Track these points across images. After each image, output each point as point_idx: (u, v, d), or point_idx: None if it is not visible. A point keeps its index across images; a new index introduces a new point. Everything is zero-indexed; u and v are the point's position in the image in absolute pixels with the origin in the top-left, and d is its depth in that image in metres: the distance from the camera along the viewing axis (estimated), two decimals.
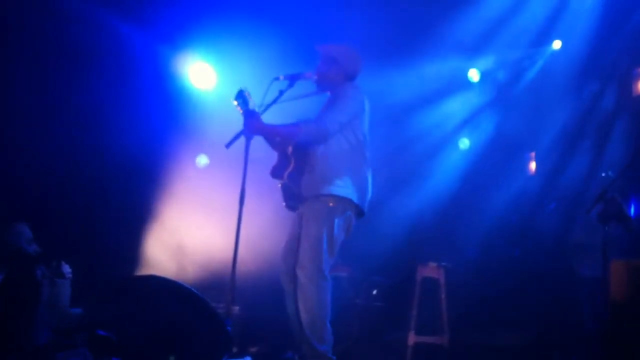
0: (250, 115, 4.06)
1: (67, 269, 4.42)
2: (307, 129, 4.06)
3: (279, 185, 4.32)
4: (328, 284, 4.04)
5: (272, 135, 4.23)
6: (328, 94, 4.37)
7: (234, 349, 4.73)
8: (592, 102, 6.96)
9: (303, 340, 4.02)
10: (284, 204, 4.35)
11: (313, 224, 4.05)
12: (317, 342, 3.96)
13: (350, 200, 4.08)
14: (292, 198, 4.26)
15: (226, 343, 3.98)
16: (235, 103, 4.10)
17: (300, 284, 4.01)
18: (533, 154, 7.39)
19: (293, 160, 4.19)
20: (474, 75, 7.50)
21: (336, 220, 4.05)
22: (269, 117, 4.20)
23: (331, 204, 4.04)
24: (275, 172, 4.26)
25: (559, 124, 7.07)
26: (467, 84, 7.54)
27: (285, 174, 4.18)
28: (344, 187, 4.06)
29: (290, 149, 4.23)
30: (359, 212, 4.19)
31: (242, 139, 4.12)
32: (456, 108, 7.50)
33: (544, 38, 7.21)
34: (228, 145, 4.09)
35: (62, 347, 3.61)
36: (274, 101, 4.19)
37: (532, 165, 7.41)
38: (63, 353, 3.53)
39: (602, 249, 4.40)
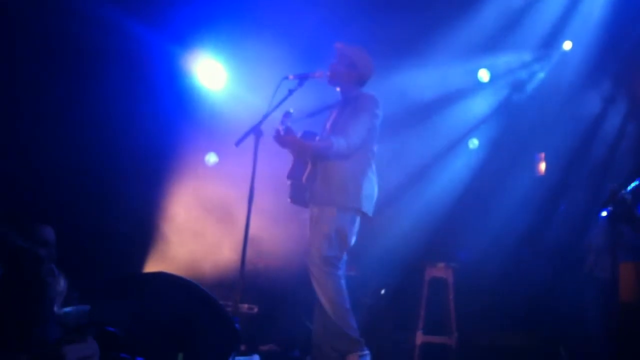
0: (289, 132, 4.18)
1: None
2: (338, 147, 4.15)
3: (289, 182, 4.41)
4: (337, 272, 4.14)
5: (304, 151, 4.29)
6: (339, 97, 4.46)
7: (242, 347, 4.74)
8: (602, 103, 6.93)
9: (335, 334, 4.09)
10: (289, 199, 4.45)
11: (324, 225, 4.17)
12: (346, 327, 4.06)
13: (359, 209, 4.23)
14: (301, 196, 4.36)
15: (234, 341, 3.99)
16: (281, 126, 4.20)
17: (313, 277, 4.12)
18: (543, 155, 7.36)
19: (311, 163, 4.28)
20: (484, 75, 7.48)
21: (347, 222, 4.19)
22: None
23: (343, 211, 4.18)
24: (293, 175, 4.37)
25: (570, 125, 7.04)
26: (477, 84, 7.51)
27: (304, 177, 4.29)
28: (355, 198, 4.20)
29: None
30: (366, 216, 4.33)
31: (251, 138, 4.14)
32: (466, 108, 7.48)
33: (554, 39, 7.17)
34: (237, 143, 4.11)
35: (70, 343, 3.63)
36: (283, 100, 4.22)
37: (542, 166, 7.38)
38: (71, 349, 3.54)
39: (611, 250, 4.39)
